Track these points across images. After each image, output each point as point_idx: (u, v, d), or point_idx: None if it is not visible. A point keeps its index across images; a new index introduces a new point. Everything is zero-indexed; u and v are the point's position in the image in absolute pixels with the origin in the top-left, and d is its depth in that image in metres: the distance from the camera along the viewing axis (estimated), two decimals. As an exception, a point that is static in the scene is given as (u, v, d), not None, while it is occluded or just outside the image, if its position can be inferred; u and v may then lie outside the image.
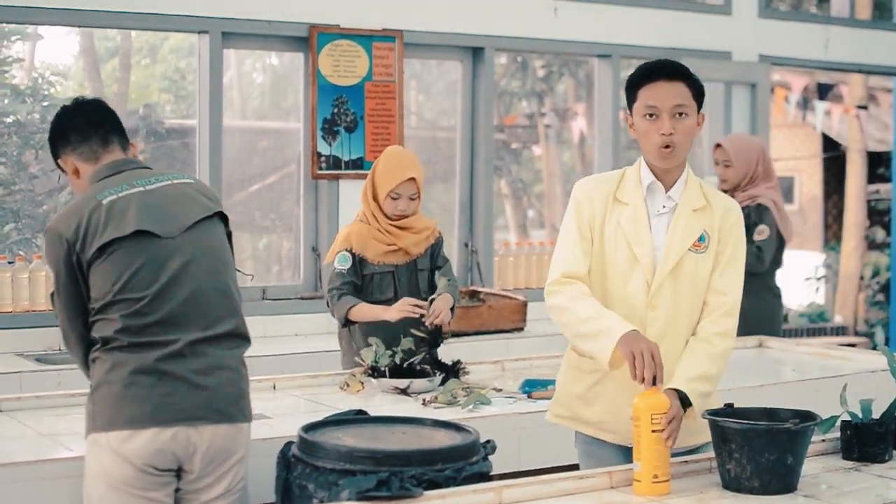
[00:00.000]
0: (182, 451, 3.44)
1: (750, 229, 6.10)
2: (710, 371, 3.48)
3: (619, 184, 3.65)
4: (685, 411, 3.36)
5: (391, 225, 5.13)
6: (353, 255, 5.11)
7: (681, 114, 3.53)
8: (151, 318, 3.45)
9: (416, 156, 5.27)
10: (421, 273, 5.19)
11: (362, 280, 5.13)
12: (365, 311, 5.01)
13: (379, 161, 5.17)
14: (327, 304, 5.15)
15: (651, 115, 3.53)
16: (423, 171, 5.14)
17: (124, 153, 3.70)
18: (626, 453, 3.56)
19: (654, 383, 3.26)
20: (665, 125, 3.52)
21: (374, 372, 4.73)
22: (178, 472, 3.49)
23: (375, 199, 5.14)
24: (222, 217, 3.74)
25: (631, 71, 3.66)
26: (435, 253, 5.25)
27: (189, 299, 3.51)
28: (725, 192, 6.10)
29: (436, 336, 4.92)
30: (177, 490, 3.52)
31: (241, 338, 3.64)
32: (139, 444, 3.38)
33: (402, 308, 4.90)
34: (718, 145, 6.42)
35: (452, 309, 5.05)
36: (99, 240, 3.46)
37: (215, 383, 3.49)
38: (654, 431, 3.20)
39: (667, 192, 3.62)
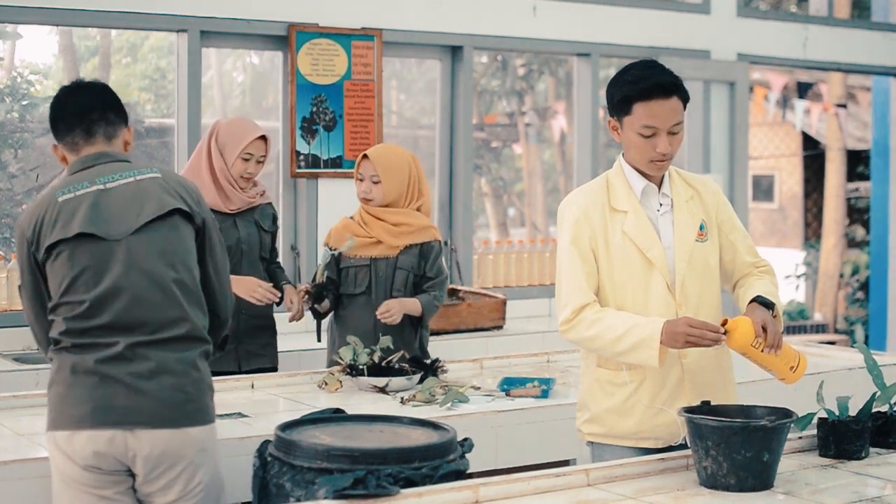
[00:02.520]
0: (122, 456, 3.39)
1: None
2: (772, 290, 3.64)
3: (609, 192, 3.68)
4: (771, 312, 3.53)
5: (367, 215, 5.15)
6: (331, 250, 5.14)
7: (676, 130, 3.58)
8: (93, 323, 3.41)
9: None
10: (399, 272, 5.12)
11: (339, 274, 5.15)
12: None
13: None
14: None
15: (650, 135, 3.56)
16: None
17: (107, 144, 3.62)
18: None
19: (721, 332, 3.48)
20: (663, 143, 3.55)
21: (353, 370, 4.72)
22: (132, 472, 3.45)
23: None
24: (184, 214, 3.59)
25: (611, 70, 3.66)
26: (425, 257, 5.17)
27: (132, 304, 3.42)
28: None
29: (319, 290, 5.04)
30: (136, 491, 3.48)
31: (193, 340, 3.52)
32: (78, 444, 3.36)
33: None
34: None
35: (422, 320, 5.14)
36: (47, 239, 3.44)
37: (156, 387, 3.40)
38: (762, 351, 3.50)
39: (660, 190, 3.67)
